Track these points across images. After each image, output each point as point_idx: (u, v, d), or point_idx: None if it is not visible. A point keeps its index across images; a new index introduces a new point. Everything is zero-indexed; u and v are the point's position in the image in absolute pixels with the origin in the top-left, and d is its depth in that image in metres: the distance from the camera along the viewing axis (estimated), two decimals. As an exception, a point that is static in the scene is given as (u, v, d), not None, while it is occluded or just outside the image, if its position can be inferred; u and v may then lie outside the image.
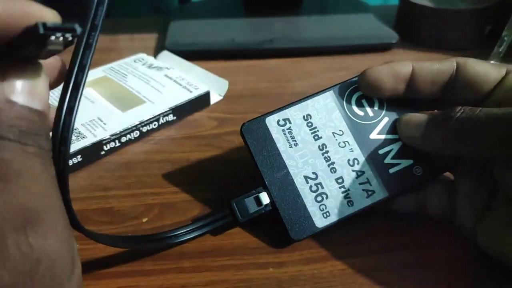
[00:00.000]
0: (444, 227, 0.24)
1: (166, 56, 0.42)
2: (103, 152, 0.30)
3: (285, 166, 0.24)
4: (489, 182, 0.22)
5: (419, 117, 0.23)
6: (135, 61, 0.39)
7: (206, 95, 0.35)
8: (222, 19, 0.50)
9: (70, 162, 0.28)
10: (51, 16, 0.14)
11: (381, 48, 0.46)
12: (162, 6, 0.69)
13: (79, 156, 0.29)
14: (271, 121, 0.25)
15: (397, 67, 0.24)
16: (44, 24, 0.12)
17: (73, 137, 0.29)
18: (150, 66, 0.38)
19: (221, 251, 0.23)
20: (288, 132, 0.24)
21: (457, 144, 0.21)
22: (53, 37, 0.12)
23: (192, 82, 0.36)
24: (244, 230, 0.25)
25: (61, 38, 0.13)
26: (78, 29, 0.13)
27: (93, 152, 0.29)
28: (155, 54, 0.44)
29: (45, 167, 0.14)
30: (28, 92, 0.14)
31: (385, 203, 0.24)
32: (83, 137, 0.29)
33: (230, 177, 0.28)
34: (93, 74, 0.37)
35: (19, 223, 0.13)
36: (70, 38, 0.13)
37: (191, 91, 0.35)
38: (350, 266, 0.22)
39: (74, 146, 0.28)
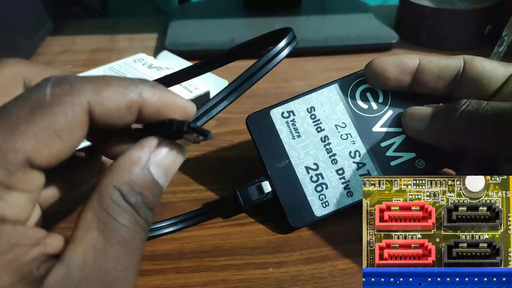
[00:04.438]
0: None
1: (166, 56, 0.42)
2: (102, 152, 0.30)
3: (287, 157, 0.24)
4: None
5: (424, 110, 0.23)
6: (135, 61, 0.39)
7: (206, 95, 0.35)
8: (222, 19, 0.50)
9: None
10: (190, 108, 0.16)
11: (381, 48, 0.46)
12: (162, 6, 0.69)
13: (78, 156, 0.28)
14: (276, 113, 0.25)
15: (404, 59, 0.24)
16: (188, 124, 0.15)
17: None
18: (150, 66, 0.38)
19: (220, 251, 0.23)
20: (292, 124, 0.25)
21: (462, 136, 0.21)
22: (188, 135, 0.15)
23: (192, 82, 0.36)
24: (244, 229, 0.25)
25: (194, 137, 0.15)
26: (210, 135, 0.15)
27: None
28: (155, 54, 0.44)
29: (143, 243, 0.15)
30: (165, 169, 0.15)
31: None
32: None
33: (230, 177, 0.28)
34: (93, 75, 0.37)
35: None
36: (201, 139, 0.15)
37: (191, 91, 0.35)
38: (350, 266, 0.22)
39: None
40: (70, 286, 0.13)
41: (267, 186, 0.24)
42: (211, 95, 0.36)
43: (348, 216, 0.24)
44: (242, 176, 0.27)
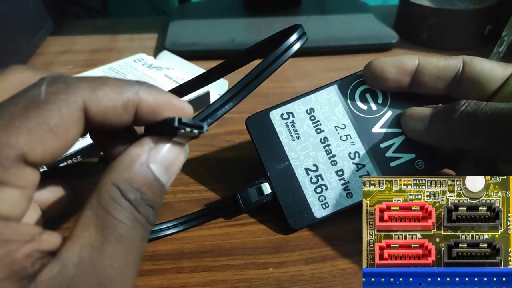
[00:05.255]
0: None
1: (166, 56, 0.42)
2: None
3: (286, 158, 0.25)
4: None
5: (423, 110, 0.23)
6: (135, 61, 0.39)
7: (206, 95, 0.35)
8: (222, 19, 0.50)
9: (70, 162, 0.28)
10: (188, 109, 0.16)
11: (381, 48, 0.46)
12: (162, 6, 0.69)
13: (79, 156, 0.28)
14: (275, 115, 0.25)
15: (403, 59, 0.24)
16: (179, 119, 0.14)
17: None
18: (150, 66, 0.38)
19: (220, 251, 0.23)
20: (291, 125, 0.25)
21: (461, 137, 0.21)
22: (182, 130, 0.15)
23: (192, 82, 0.36)
24: (244, 230, 0.25)
25: (189, 131, 0.15)
26: (205, 128, 0.15)
27: (93, 152, 0.29)
28: (155, 54, 0.44)
29: (143, 241, 0.14)
30: (166, 166, 0.15)
31: None
32: (83, 137, 0.29)
33: (230, 177, 0.28)
34: (92, 74, 0.37)
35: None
36: (196, 133, 0.15)
37: (191, 91, 0.35)
38: (350, 266, 0.22)
39: (74, 146, 0.28)
40: (63, 283, 0.13)
41: (266, 188, 0.24)
42: (211, 95, 0.36)
43: (348, 216, 0.24)
44: (242, 177, 0.28)
